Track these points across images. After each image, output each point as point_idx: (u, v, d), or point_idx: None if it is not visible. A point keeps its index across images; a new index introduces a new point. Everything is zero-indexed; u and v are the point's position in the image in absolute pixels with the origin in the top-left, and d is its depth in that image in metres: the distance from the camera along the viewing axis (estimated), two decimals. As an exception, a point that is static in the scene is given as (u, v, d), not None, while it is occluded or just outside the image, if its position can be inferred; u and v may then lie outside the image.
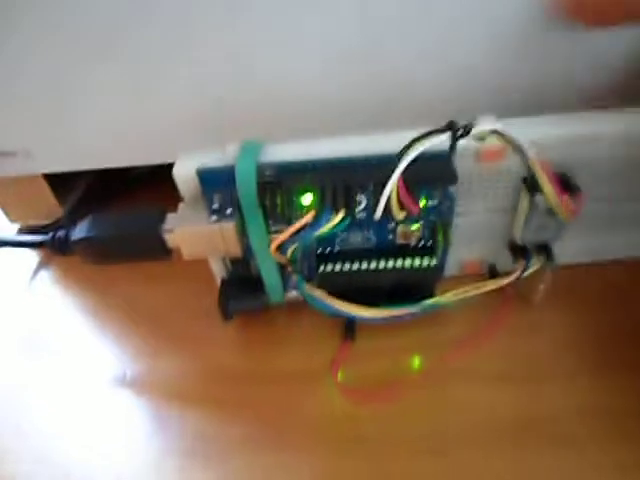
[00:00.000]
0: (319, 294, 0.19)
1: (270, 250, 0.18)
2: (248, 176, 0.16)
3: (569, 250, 0.20)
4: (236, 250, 0.18)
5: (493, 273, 0.21)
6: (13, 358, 0.21)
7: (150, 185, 0.22)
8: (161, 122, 0.21)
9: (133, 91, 0.20)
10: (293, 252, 0.18)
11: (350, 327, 0.20)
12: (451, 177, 0.17)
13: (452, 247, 0.19)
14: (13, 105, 0.21)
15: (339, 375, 0.19)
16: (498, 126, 0.16)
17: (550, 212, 0.17)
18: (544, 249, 0.19)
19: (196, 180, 0.17)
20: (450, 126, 0.15)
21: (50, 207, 0.25)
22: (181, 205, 0.18)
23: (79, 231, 0.18)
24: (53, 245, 0.20)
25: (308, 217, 0.17)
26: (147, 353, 0.21)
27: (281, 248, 0.18)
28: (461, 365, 0.19)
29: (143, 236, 0.18)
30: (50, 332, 0.22)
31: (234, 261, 0.19)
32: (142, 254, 0.18)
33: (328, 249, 0.19)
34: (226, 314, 0.20)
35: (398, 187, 0.16)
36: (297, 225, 0.17)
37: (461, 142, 0.16)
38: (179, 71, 0.20)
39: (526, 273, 0.19)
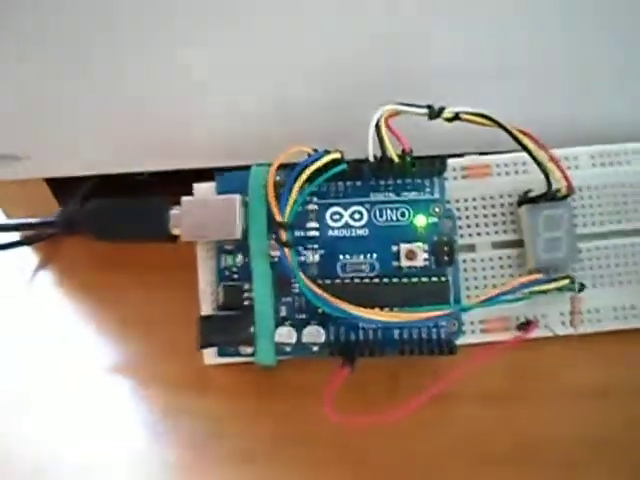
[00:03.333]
0: (319, 291, 0.16)
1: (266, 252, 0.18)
2: (261, 177, 0.18)
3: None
4: (235, 231, 0.17)
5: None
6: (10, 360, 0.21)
7: (152, 190, 0.21)
8: (161, 128, 0.21)
9: (133, 96, 0.20)
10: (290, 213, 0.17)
11: (349, 352, 0.17)
12: (441, 165, 0.18)
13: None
14: (14, 109, 0.21)
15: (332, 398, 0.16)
16: (470, 108, 0.17)
17: (553, 219, 0.17)
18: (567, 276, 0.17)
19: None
20: (428, 106, 0.17)
21: (51, 210, 0.25)
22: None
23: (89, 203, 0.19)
24: (62, 217, 0.20)
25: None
26: (142, 359, 0.20)
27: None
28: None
29: (149, 211, 0.18)
30: (46, 334, 0.22)
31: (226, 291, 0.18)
32: (146, 233, 0.18)
33: (328, 281, 0.18)
34: (201, 343, 0.18)
35: (386, 124, 0.17)
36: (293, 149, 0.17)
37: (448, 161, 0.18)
38: (180, 77, 0.20)
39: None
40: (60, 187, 0.24)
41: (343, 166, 0.17)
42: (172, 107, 0.20)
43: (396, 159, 0.17)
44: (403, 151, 0.17)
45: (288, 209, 0.17)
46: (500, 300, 0.16)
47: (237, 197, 0.18)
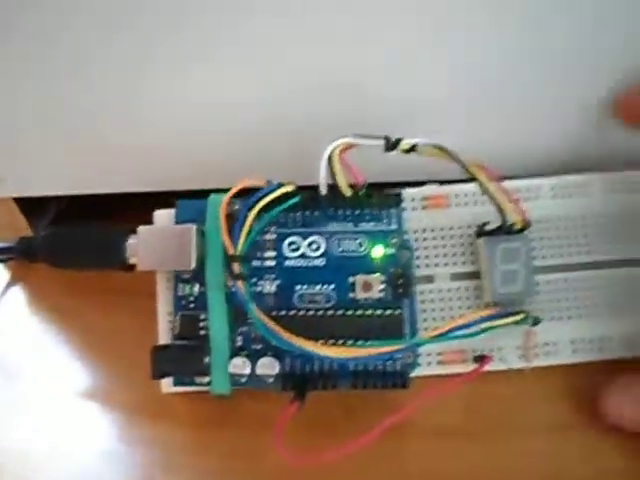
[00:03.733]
0: (271, 324, 0.16)
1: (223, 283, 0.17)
2: (218, 206, 0.18)
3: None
4: (190, 262, 0.17)
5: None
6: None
7: (123, 211, 0.21)
8: (130, 149, 0.21)
9: (101, 116, 0.20)
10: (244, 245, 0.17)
11: (302, 385, 0.17)
12: (396, 199, 0.18)
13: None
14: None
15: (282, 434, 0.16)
16: (427, 140, 0.17)
17: (510, 252, 0.17)
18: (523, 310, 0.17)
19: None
20: (385, 137, 0.17)
21: (20, 231, 0.25)
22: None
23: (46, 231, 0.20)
24: (21, 245, 0.20)
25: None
26: (101, 385, 0.20)
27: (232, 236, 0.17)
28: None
29: (106, 240, 0.19)
30: (7, 356, 0.22)
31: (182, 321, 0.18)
32: (103, 262, 0.19)
33: (284, 312, 0.18)
34: (154, 373, 0.17)
35: (340, 158, 0.16)
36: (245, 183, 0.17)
37: (406, 191, 0.18)
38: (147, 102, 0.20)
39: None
40: (30, 207, 0.24)
41: (296, 199, 0.17)
42: (139, 131, 0.20)
43: (348, 193, 0.17)
44: (355, 185, 0.17)
45: (241, 241, 0.17)
46: (455, 335, 0.16)
47: (193, 227, 0.17)
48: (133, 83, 0.19)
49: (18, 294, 0.24)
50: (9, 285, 0.24)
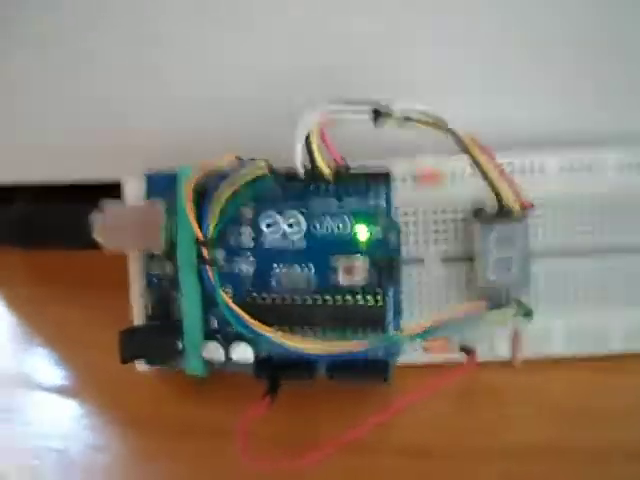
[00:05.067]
0: (240, 312, 0.15)
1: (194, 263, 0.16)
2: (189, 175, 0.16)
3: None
4: (158, 242, 0.16)
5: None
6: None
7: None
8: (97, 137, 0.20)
9: (70, 106, 0.20)
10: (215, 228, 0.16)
11: (275, 373, 0.16)
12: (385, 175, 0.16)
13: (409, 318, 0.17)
14: None
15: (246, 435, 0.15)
16: (421, 107, 0.15)
17: (505, 238, 0.16)
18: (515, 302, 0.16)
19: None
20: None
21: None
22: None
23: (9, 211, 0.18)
24: None
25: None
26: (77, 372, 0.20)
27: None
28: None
29: (71, 218, 0.17)
30: None
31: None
32: (69, 240, 0.18)
33: (260, 295, 0.17)
34: (123, 356, 0.17)
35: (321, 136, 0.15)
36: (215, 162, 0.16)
37: (398, 168, 0.16)
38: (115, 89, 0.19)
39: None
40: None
41: (270, 182, 0.15)
42: (107, 119, 0.19)
43: (329, 177, 0.15)
44: (337, 166, 0.15)
45: (211, 225, 0.15)
46: (439, 331, 0.15)
47: (160, 204, 0.16)
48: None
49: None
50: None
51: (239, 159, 0.15)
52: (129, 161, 0.18)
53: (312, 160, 0.15)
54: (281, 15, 0.18)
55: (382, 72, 0.18)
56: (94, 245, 0.17)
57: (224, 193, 0.15)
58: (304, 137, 0.14)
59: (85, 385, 0.19)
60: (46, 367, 0.20)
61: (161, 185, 0.17)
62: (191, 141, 0.19)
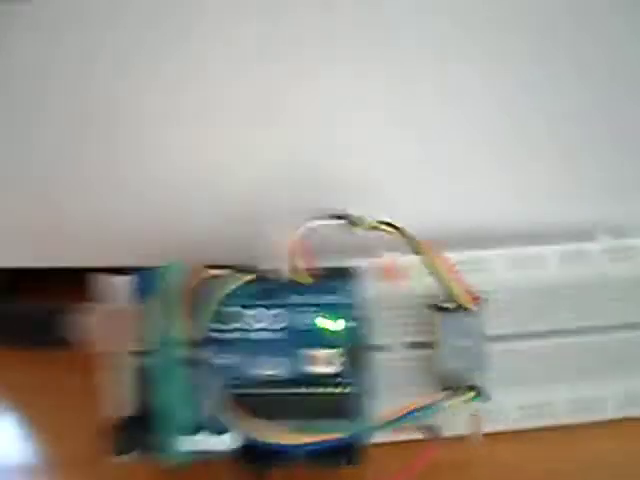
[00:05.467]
0: (224, 405, 0.17)
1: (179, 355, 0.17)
2: (174, 276, 0.17)
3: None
4: (148, 340, 0.17)
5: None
6: None
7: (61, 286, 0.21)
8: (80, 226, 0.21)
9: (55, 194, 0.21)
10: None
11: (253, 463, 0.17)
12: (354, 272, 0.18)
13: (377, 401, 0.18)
14: None
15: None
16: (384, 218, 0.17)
17: (462, 327, 0.18)
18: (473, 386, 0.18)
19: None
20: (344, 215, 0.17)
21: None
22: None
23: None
24: None
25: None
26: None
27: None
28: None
29: (42, 317, 0.18)
30: None
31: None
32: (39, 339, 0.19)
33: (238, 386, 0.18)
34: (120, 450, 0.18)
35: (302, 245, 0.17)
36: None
37: (365, 266, 0.18)
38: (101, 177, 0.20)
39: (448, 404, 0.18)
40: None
41: (255, 284, 0.17)
42: (93, 206, 0.20)
43: (309, 281, 0.17)
44: (313, 268, 0.17)
45: (202, 325, 0.17)
46: (407, 419, 0.17)
47: (151, 305, 0.17)
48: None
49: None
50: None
51: (227, 267, 0.17)
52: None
53: (293, 264, 0.17)
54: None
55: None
56: (65, 344, 0.18)
57: (216, 297, 0.17)
58: (289, 246, 0.16)
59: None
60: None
61: (146, 282, 0.18)
62: (169, 234, 0.20)
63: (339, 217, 0.17)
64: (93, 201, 0.21)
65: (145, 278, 0.18)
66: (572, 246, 0.19)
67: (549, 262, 0.19)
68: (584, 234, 0.19)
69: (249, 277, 0.17)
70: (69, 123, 0.19)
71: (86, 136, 0.20)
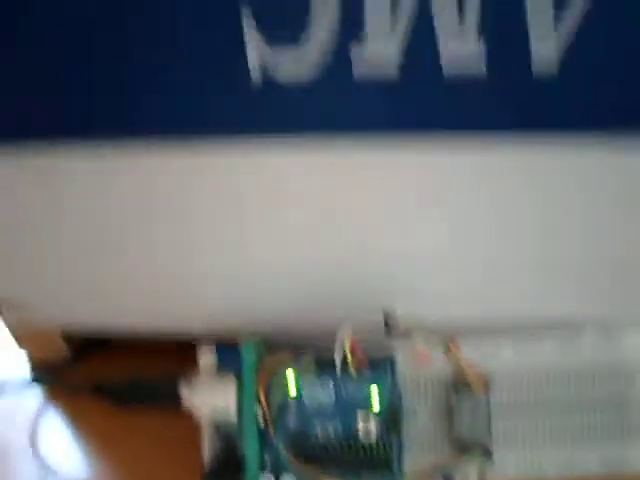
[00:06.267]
0: (291, 457, 0.23)
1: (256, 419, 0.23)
2: (251, 354, 0.23)
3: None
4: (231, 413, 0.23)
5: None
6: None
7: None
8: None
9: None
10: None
11: None
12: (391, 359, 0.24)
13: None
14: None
15: None
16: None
17: (473, 406, 0.23)
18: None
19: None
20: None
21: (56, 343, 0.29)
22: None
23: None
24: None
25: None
26: None
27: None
28: None
29: (160, 386, 0.23)
30: None
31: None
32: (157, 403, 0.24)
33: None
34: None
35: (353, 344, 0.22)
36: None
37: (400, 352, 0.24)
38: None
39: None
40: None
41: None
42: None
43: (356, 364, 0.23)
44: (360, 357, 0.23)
45: (275, 402, 0.23)
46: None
47: (233, 379, 0.23)
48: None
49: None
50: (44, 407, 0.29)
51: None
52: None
53: (344, 356, 0.23)
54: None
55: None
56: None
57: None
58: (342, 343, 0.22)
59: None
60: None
61: (228, 356, 0.24)
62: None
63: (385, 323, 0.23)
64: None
65: (224, 352, 0.24)
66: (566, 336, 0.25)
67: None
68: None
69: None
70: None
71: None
